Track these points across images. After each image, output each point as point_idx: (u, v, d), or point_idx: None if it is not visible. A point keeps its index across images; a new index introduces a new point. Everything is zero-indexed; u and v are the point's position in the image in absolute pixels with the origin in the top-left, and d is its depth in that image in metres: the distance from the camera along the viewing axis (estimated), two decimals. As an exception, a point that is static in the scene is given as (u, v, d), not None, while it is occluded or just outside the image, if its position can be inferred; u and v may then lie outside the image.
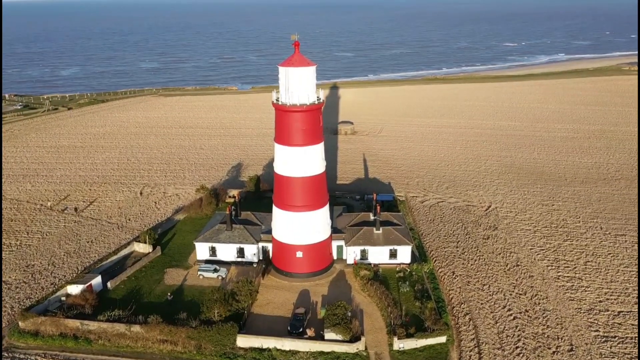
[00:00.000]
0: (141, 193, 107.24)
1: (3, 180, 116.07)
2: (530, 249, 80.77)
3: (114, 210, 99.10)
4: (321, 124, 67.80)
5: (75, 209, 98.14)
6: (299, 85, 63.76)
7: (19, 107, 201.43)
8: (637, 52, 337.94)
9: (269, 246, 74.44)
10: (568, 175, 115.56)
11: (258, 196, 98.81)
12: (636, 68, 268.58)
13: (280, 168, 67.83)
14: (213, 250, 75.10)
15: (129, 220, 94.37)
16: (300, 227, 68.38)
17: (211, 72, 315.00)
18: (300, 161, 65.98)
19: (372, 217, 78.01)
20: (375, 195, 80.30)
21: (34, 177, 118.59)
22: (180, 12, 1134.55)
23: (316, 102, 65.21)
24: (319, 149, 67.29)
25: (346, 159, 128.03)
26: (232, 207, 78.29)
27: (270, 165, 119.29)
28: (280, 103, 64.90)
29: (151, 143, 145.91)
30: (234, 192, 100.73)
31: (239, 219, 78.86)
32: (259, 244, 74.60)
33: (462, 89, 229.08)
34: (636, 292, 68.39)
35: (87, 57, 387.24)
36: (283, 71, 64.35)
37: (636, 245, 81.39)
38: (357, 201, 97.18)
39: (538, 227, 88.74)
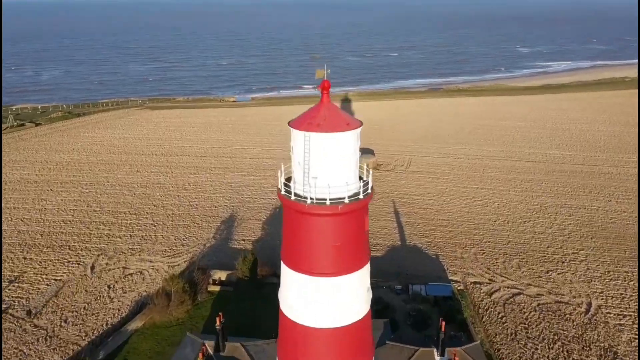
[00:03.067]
0: (92, 268, 77.10)
1: None
2: (688, 405, 50.90)
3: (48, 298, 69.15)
4: (367, 227, 37.57)
5: (28, 312, 65.68)
6: (331, 163, 33.40)
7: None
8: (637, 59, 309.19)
9: (270, 418, 44.48)
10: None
11: (255, 285, 68.20)
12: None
13: (291, 309, 37.23)
14: (176, 423, 45.04)
15: (65, 322, 64.14)
16: (326, 411, 38.23)
17: (207, 79, 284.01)
18: (330, 301, 35.65)
19: (437, 358, 48.06)
20: (443, 324, 48.23)
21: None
22: (177, 12, 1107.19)
23: (362, 196, 34.86)
24: (361, 277, 36.99)
25: (373, 211, 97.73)
26: (205, 350, 47.96)
27: (274, 222, 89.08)
28: (293, 198, 34.45)
29: (122, 179, 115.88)
30: (220, 275, 70.90)
31: (222, 356, 48.84)
32: (254, 415, 44.58)
33: (492, 104, 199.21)
34: None
35: (71, 61, 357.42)
36: (300, 138, 33.25)
37: None
38: (399, 294, 67.09)
39: (677, 350, 58.74)
